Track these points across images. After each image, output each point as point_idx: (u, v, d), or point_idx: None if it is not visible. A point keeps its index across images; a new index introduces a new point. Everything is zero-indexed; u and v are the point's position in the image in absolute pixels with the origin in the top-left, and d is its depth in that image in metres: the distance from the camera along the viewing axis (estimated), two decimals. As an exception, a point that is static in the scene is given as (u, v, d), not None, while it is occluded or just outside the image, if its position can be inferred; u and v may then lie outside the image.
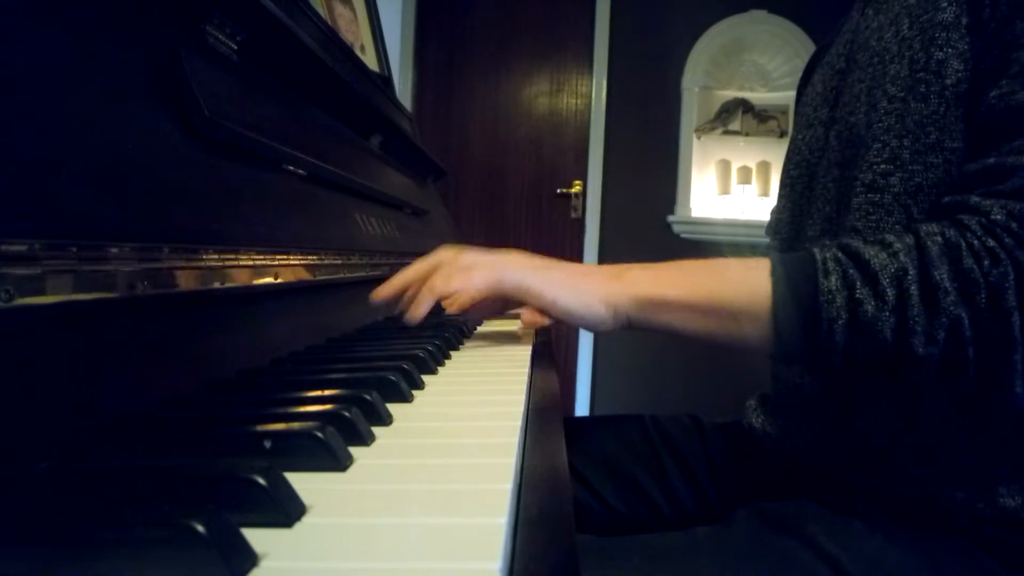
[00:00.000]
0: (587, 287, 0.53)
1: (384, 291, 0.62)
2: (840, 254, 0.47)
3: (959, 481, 0.49)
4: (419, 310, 0.59)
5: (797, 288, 0.47)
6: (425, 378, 0.48)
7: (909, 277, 0.43)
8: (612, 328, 0.53)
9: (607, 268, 0.54)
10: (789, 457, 0.61)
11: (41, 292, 0.28)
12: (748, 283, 0.49)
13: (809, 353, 0.47)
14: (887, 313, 0.43)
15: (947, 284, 0.42)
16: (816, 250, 0.48)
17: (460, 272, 0.57)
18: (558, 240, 2.85)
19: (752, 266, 0.50)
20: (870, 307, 0.44)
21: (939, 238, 0.44)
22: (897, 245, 0.45)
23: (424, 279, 0.60)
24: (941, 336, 0.42)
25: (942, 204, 0.48)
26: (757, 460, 0.68)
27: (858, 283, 0.44)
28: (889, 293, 0.43)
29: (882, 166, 0.52)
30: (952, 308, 0.42)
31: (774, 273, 0.48)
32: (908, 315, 0.43)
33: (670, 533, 0.55)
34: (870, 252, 0.45)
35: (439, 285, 0.57)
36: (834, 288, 0.45)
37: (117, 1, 0.42)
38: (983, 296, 0.41)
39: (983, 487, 0.49)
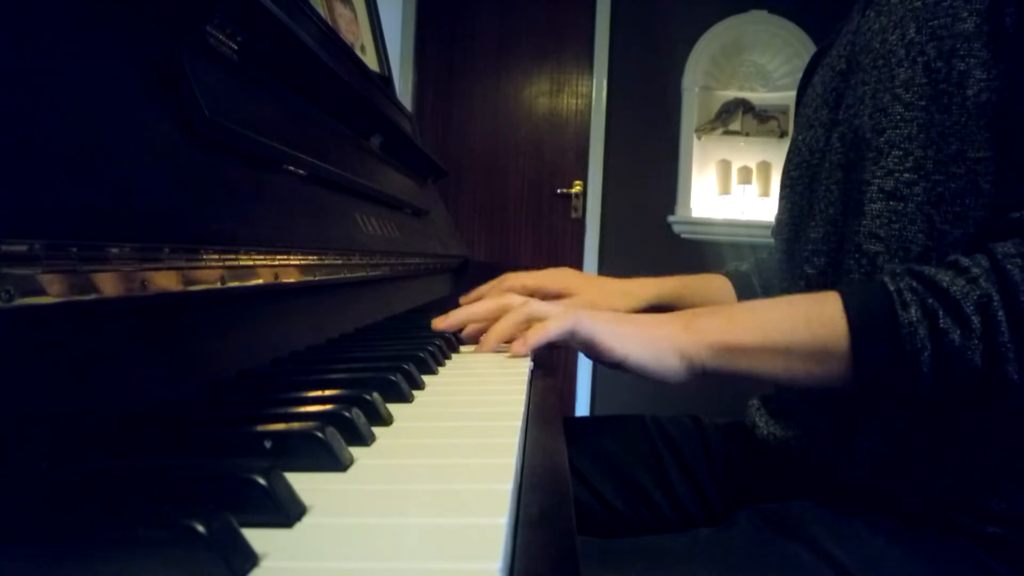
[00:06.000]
0: (659, 340, 0.51)
1: (446, 323, 0.65)
2: (915, 283, 0.45)
3: (969, 477, 0.50)
4: (484, 350, 0.60)
5: (875, 322, 0.45)
6: (425, 378, 0.48)
7: (995, 303, 0.42)
8: (686, 379, 0.52)
9: (675, 317, 0.53)
10: (794, 458, 0.61)
11: (41, 292, 0.28)
12: (823, 321, 0.47)
13: (895, 388, 0.46)
14: (975, 341, 0.42)
15: None
16: (887, 279, 0.47)
17: (534, 322, 0.56)
18: (558, 240, 2.85)
19: (822, 300, 0.48)
20: (956, 336, 0.43)
21: (1019, 259, 0.42)
22: (975, 270, 0.44)
23: (490, 320, 0.62)
24: None
25: (1010, 220, 0.46)
26: (758, 461, 0.68)
27: (940, 312, 0.43)
28: (974, 321, 0.42)
29: (906, 175, 0.52)
30: None
31: (848, 308, 0.47)
32: (999, 342, 0.42)
33: (671, 534, 0.55)
34: (947, 278, 0.44)
35: (518, 346, 0.56)
36: (915, 319, 0.44)
37: (117, 1, 0.42)
38: None
39: (993, 483, 0.49)
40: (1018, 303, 0.41)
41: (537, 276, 0.78)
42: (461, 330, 0.66)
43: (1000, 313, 0.42)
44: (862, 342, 0.46)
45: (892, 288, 0.46)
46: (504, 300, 0.63)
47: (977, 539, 0.49)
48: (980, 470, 0.50)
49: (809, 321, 0.48)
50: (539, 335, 0.54)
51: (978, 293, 0.43)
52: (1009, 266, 0.42)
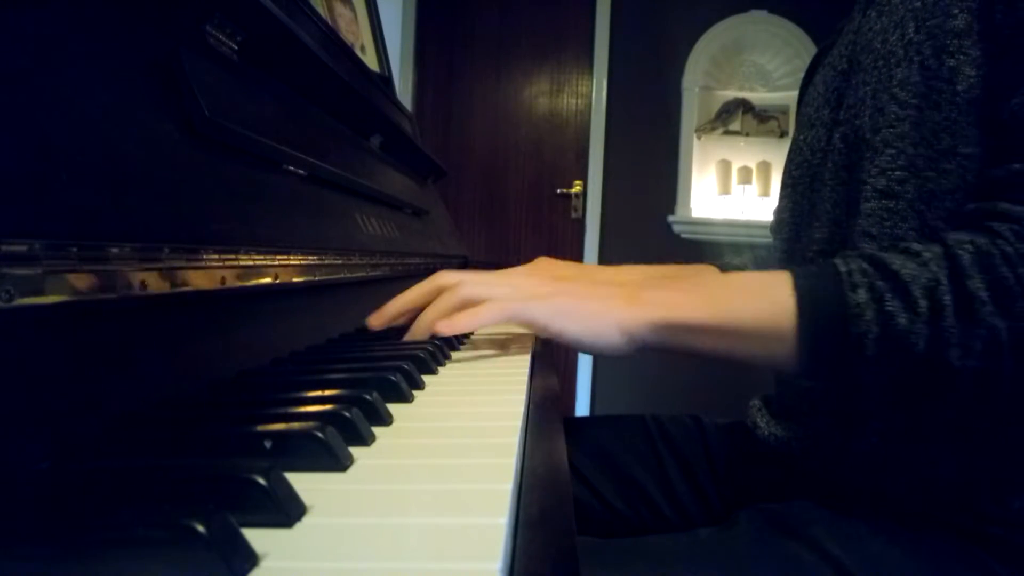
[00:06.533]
0: (598, 314, 0.50)
1: (381, 319, 0.61)
2: (866, 265, 0.45)
3: (969, 480, 0.50)
4: (415, 338, 0.58)
5: (823, 303, 0.45)
6: (425, 378, 0.48)
7: (942, 287, 0.42)
8: (625, 353, 0.51)
9: (620, 291, 0.51)
10: (795, 458, 0.61)
11: (41, 292, 0.28)
12: (771, 300, 0.46)
13: (839, 370, 0.45)
14: (920, 325, 0.42)
15: (982, 294, 0.41)
16: (839, 261, 0.46)
17: (466, 307, 0.55)
18: (558, 240, 2.85)
19: (772, 281, 0.48)
20: (902, 320, 0.42)
21: (969, 246, 0.42)
22: (926, 254, 0.44)
23: (423, 305, 0.59)
24: (978, 348, 0.41)
25: (966, 211, 0.46)
26: (759, 461, 0.68)
27: (887, 295, 0.43)
28: (921, 304, 0.42)
29: (897, 173, 0.51)
30: (989, 318, 0.40)
31: (797, 288, 0.46)
32: (943, 326, 0.41)
33: (671, 535, 0.55)
34: (898, 262, 0.44)
35: (442, 325, 0.54)
36: (862, 301, 0.43)
37: (118, 1, 0.42)
38: (1021, 304, 0.40)
39: (993, 487, 0.49)
40: (965, 288, 0.41)
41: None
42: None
43: (947, 298, 0.41)
44: (808, 324, 0.45)
45: (843, 270, 0.45)
46: (438, 280, 0.59)
47: (978, 540, 0.49)
48: (980, 472, 0.50)
49: (756, 300, 0.47)
50: (468, 320, 0.52)
51: (927, 277, 0.42)
52: (959, 252, 0.42)
